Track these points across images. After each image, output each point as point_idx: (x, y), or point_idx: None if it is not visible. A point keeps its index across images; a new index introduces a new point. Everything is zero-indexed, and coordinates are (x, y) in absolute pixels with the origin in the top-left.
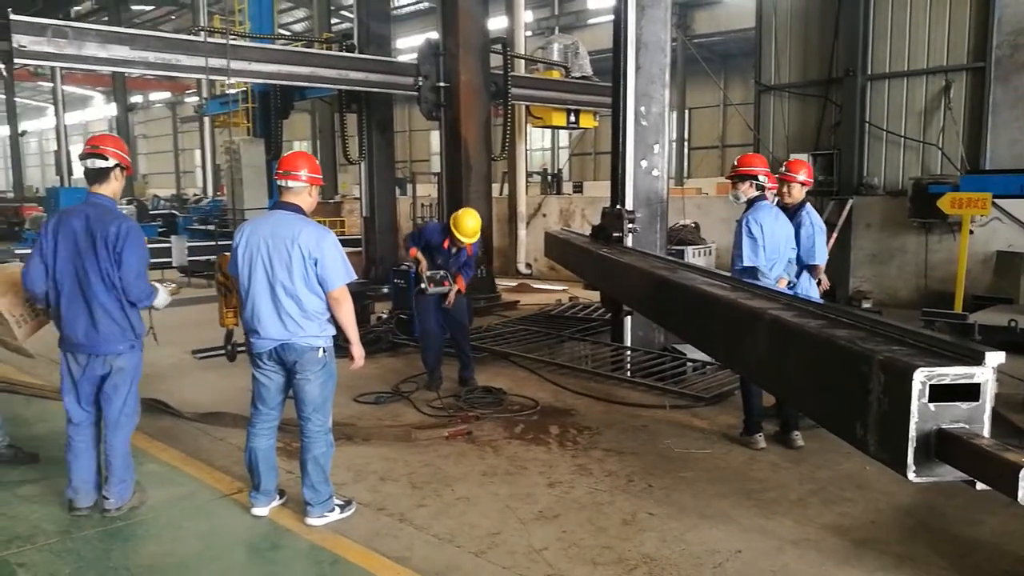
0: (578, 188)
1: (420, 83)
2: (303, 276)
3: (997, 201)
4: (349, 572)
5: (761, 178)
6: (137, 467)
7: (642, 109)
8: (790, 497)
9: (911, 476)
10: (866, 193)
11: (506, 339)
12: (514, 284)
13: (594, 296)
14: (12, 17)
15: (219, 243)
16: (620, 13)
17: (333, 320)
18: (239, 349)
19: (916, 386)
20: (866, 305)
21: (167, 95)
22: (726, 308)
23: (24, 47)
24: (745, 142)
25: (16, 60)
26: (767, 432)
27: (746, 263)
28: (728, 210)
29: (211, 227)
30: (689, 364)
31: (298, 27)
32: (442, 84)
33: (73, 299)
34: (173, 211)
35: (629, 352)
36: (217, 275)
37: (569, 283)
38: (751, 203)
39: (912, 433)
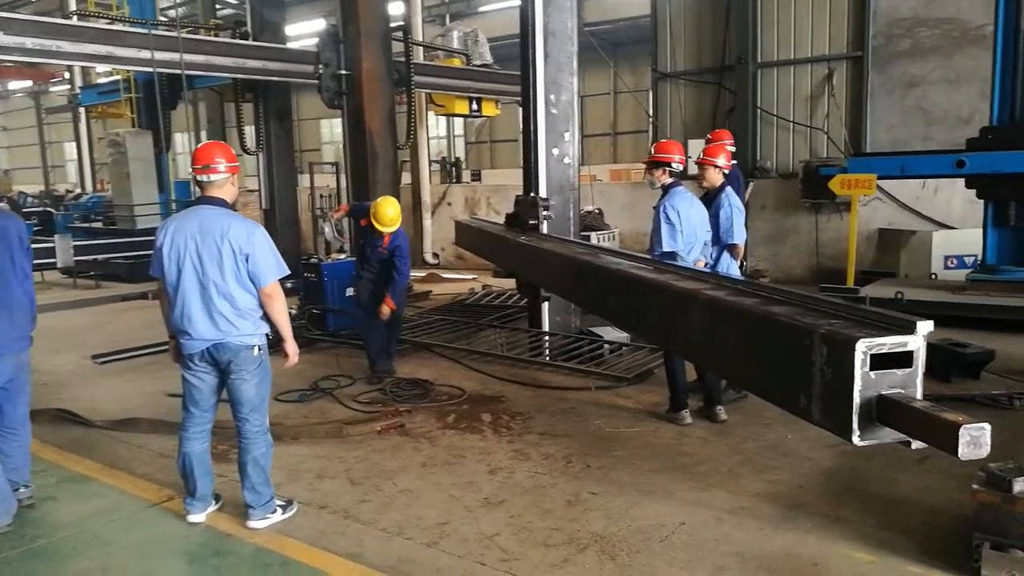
0: (476, 176)
1: (320, 71)
2: (235, 273)
3: (878, 182)
4: (300, 573)
5: (675, 164)
6: (52, 481)
7: (551, 97)
8: (721, 469)
9: (855, 440)
10: (760, 176)
11: (424, 330)
12: (423, 274)
13: (507, 284)
14: None
15: (108, 241)
16: (527, 1)
17: (266, 317)
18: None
19: (859, 356)
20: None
21: (28, 84)
22: (658, 290)
23: None
24: (637, 128)
25: None
26: (692, 408)
27: (665, 248)
28: (628, 196)
29: (95, 225)
30: (607, 346)
31: (172, 13)
32: (344, 72)
33: None
34: (48, 208)
35: (548, 337)
36: None
37: (478, 271)
38: (667, 189)
39: (856, 400)
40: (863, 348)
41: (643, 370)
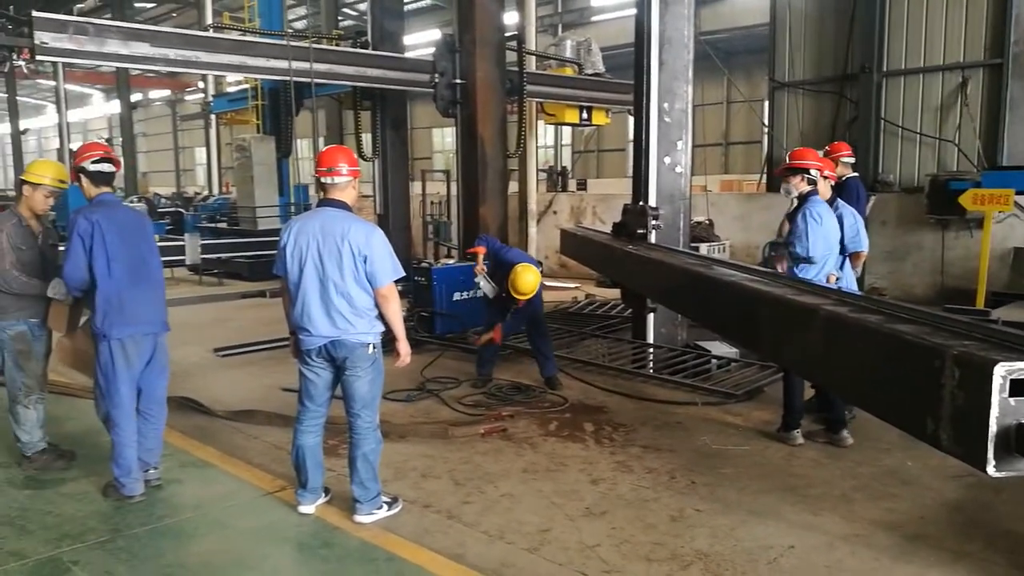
0: (582, 185)
1: (436, 80)
2: (353, 273)
3: (1016, 198)
4: (404, 569)
5: (813, 172)
6: (176, 465)
7: (665, 105)
8: (834, 493)
9: (991, 470)
10: (882, 190)
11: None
12: None
13: (610, 294)
14: (34, 14)
15: (231, 241)
16: (643, 9)
17: (380, 317)
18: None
19: (997, 380)
20: None
21: (166, 93)
22: (775, 304)
23: (46, 43)
24: (749, 139)
25: (38, 56)
26: (803, 428)
27: (810, 252)
28: (740, 208)
29: (220, 225)
30: (714, 361)
31: (298, 24)
32: (458, 81)
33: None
34: (179, 209)
35: (652, 349)
36: None
37: (581, 280)
38: (804, 198)
39: (993, 428)
40: (1002, 372)
41: (753, 387)
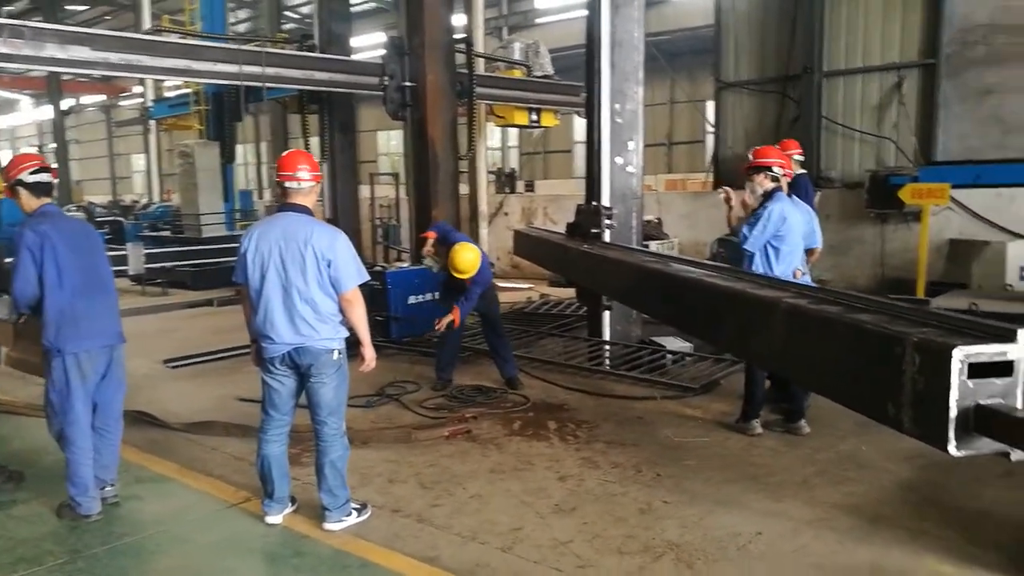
0: (530, 187)
1: (385, 82)
2: (317, 279)
3: (950, 192)
4: (379, 575)
5: (776, 169)
6: (133, 480)
7: (617, 106)
8: (795, 480)
9: (952, 450)
10: (824, 186)
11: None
12: None
13: (564, 293)
14: None
15: (175, 250)
16: (594, 12)
17: (345, 322)
18: None
19: (956, 364)
20: None
21: (101, 98)
22: (736, 299)
23: None
24: (693, 139)
25: None
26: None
27: (747, 247)
28: (687, 206)
29: (163, 233)
30: (669, 356)
31: (240, 28)
32: (408, 84)
33: None
34: (118, 218)
35: (608, 346)
36: None
37: (534, 281)
38: (768, 195)
39: (953, 409)
40: (960, 356)
41: (709, 380)
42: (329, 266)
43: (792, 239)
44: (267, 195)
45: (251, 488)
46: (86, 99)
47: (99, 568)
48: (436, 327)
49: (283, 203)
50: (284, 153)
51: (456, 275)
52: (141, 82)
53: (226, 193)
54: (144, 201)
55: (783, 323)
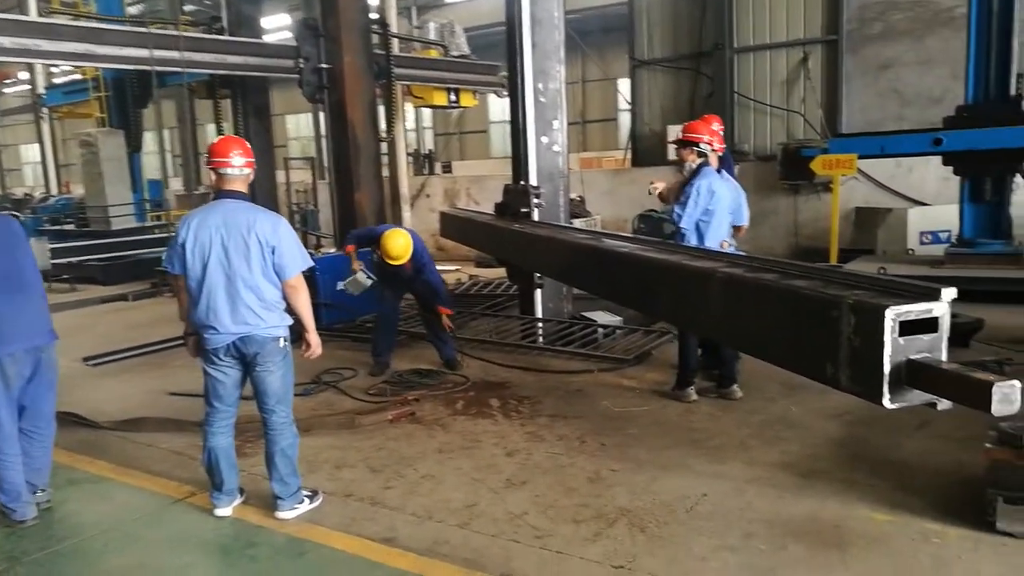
0: (447, 168)
1: (301, 65)
2: (261, 266)
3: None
4: (337, 558)
5: (703, 144)
6: (65, 483)
7: (540, 86)
8: (733, 442)
9: (886, 403)
10: (738, 160)
11: (417, 320)
12: None
13: (492, 273)
14: None
15: (83, 244)
16: None
17: (289, 309)
18: None
19: (888, 323)
20: None
21: None
22: (672, 271)
23: None
24: (606, 117)
25: None
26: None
27: (683, 224)
28: (608, 183)
29: (66, 227)
30: (600, 330)
31: (132, 9)
32: (324, 66)
33: None
34: (13, 212)
35: (541, 323)
36: None
37: (460, 262)
38: (698, 169)
39: (887, 365)
40: (892, 315)
41: (642, 351)
42: (273, 252)
43: (720, 213)
44: (175, 184)
45: (195, 482)
46: None
47: (41, 573)
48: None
49: (219, 190)
50: (216, 139)
51: (393, 262)
52: (29, 68)
53: (134, 183)
54: (40, 194)
55: (720, 292)
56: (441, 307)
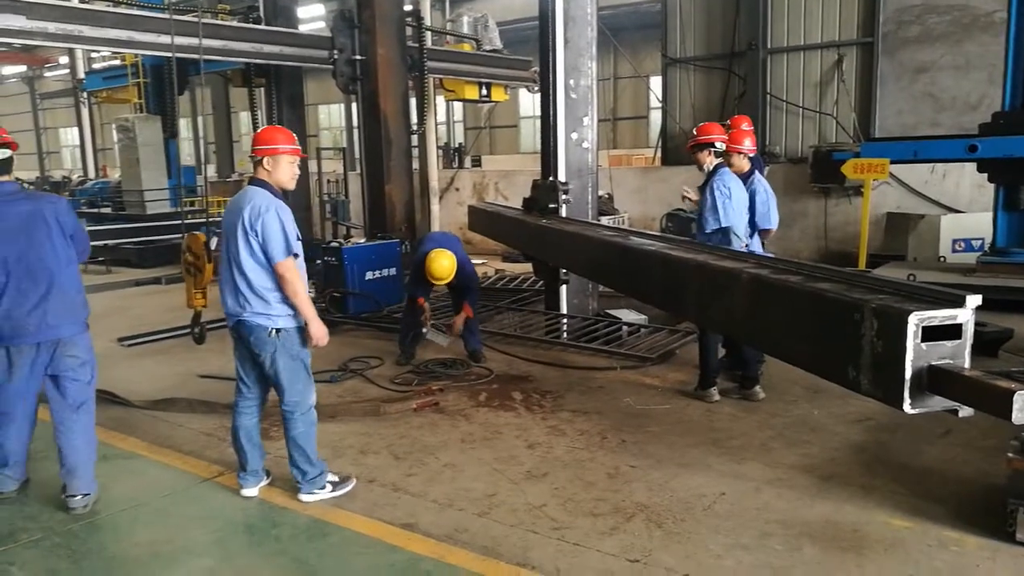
0: (476, 162)
1: (335, 56)
2: (248, 250)
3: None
4: (360, 542)
5: (719, 145)
6: (99, 458)
7: (571, 82)
8: (754, 443)
9: (907, 408)
10: (769, 161)
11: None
12: None
13: (519, 268)
14: None
15: (120, 227)
16: None
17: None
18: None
19: (911, 328)
20: None
21: (22, 69)
22: (698, 270)
23: None
24: (636, 115)
25: None
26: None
27: (723, 223)
28: (637, 181)
29: (103, 210)
30: (624, 328)
31: None
32: (358, 57)
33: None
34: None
35: (566, 319)
36: (185, 255)
37: (487, 256)
38: (714, 170)
39: (908, 371)
40: (915, 321)
41: (665, 350)
42: (259, 237)
43: (737, 212)
44: (210, 171)
45: (223, 463)
46: (7, 70)
47: (76, 543)
48: (455, 331)
49: (251, 177)
50: (260, 128)
51: (435, 283)
52: (70, 53)
53: (169, 169)
54: (77, 177)
55: (746, 293)
56: (467, 305)
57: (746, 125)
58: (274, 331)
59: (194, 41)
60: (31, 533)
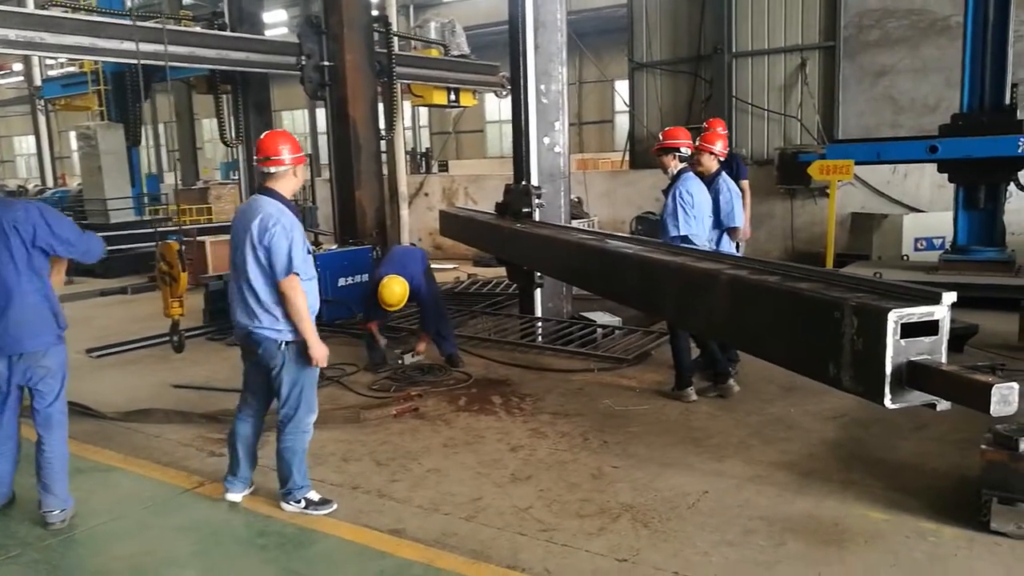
0: (443, 167)
1: (303, 62)
2: (255, 263)
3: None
4: (347, 549)
5: (683, 150)
6: (73, 471)
7: (542, 87)
8: (732, 441)
9: (887, 403)
10: None
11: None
12: None
13: (490, 272)
14: None
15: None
16: None
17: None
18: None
19: (891, 325)
20: None
21: None
22: (677, 272)
23: None
24: (602, 119)
25: None
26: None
27: (681, 231)
28: (605, 184)
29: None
30: (599, 330)
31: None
32: (326, 63)
33: None
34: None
35: (541, 323)
36: (159, 264)
37: (458, 261)
38: (678, 174)
39: (888, 366)
40: (895, 318)
41: (641, 351)
42: (267, 252)
43: (700, 216)
44: (169, 179)
45: (204, 473)
46: None
47: (56, 558)
48: (417, 352)
49: (259, 185)
50: (263, 135)
51: (387, 309)
52: (25, 60)
53: (132, 177)
54: (33, 186)
55: (725, 293)
56: (423, 334)
57: (721, 128)
58: (283, 344)
59: (159, 48)
60: (8, 549)
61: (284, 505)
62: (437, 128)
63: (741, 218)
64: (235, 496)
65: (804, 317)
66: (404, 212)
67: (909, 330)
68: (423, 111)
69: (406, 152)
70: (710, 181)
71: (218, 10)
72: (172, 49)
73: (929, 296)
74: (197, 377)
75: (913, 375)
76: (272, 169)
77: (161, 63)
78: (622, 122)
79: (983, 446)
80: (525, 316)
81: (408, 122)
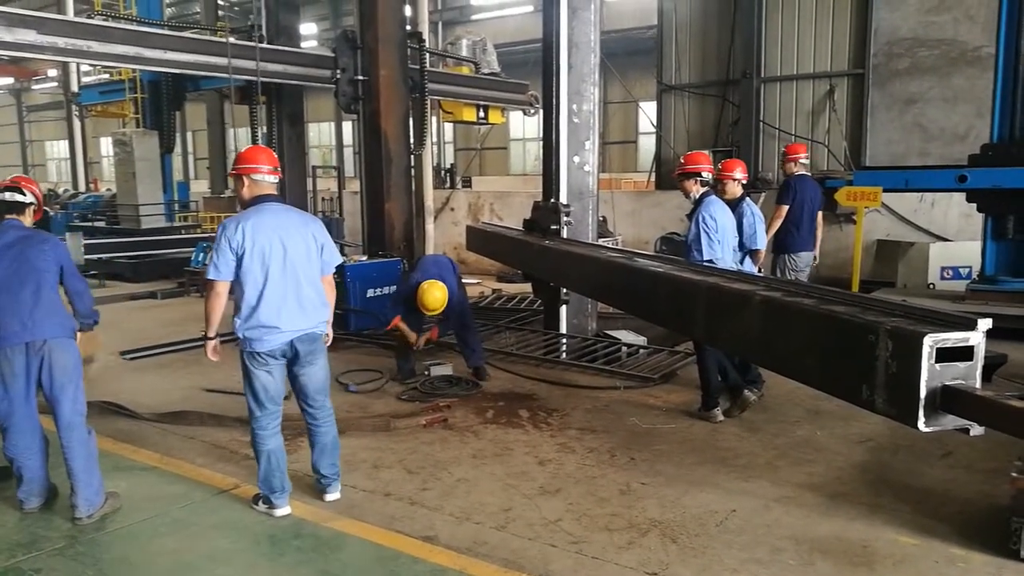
0: (467, 183)
1: (338, 76)
2: (319, 263)
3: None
4: (381, 553)
5: (705, 174)
6: (112, 468)
7: (574, 107)
8: (759, 462)
9: (921, 426)
10: (762, 188)
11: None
12: None
13: (515, 288)
14: None
15: (115, 240)
16: (552, 14)
17: None
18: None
19: (926, 350)
20: None
21: (9, 81)
22: (710, 292)
23: None
24: (625, 139)
25: None
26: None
27: (705, 256)
28: (631, 204)
29: (96, 224)
30: (624, 348)
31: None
32: (360, 77)
33: None
34: (43, 207)
35: (565, 339)
36: None
37: (482, 276)
38: (701, 199)
39: (923, 390)
40: (930, 343)
41: (668, 371)
42: (322, 250)
43: (724, 240)
44: (195, 186)
45: (239, 475)
46: None
47: (100, 551)
48: (415, 345)
49: (257, 196)
50: (246, 148)
51: (427, 313)
52: (63, 66)
53: (165, 184)
54: (64, 190)
55: (759, 314)
56: (435, 328)
57: (803, 154)
58: (324, 336)
59: (200, 58)
60: (54, 542)
61: (334, 495)
62: (462, 144)
63: (763, 241)
64: (285, 510)
65: (839, 339)
66: (430, 226)
67: (944, 355)
68: (448, 127)
69: (433, 168)
70: (735, 205)
71: (255, 23)
72: (214, 60)
73: (964, 322)
74: (228, 382)
75: (947, 399)
76: (272, 178)
77: (214, 74)
78: (645, 143)
79: (1013, 474)
80: (550, 332)
81: (434, 138)
